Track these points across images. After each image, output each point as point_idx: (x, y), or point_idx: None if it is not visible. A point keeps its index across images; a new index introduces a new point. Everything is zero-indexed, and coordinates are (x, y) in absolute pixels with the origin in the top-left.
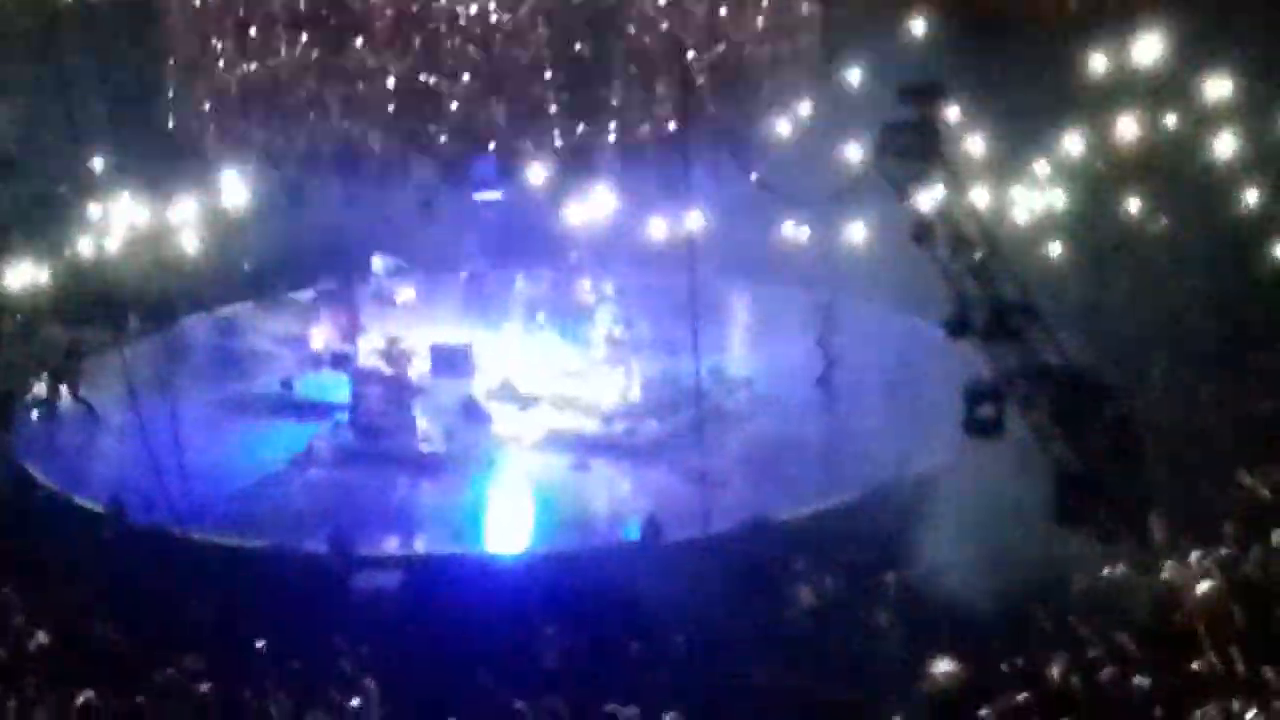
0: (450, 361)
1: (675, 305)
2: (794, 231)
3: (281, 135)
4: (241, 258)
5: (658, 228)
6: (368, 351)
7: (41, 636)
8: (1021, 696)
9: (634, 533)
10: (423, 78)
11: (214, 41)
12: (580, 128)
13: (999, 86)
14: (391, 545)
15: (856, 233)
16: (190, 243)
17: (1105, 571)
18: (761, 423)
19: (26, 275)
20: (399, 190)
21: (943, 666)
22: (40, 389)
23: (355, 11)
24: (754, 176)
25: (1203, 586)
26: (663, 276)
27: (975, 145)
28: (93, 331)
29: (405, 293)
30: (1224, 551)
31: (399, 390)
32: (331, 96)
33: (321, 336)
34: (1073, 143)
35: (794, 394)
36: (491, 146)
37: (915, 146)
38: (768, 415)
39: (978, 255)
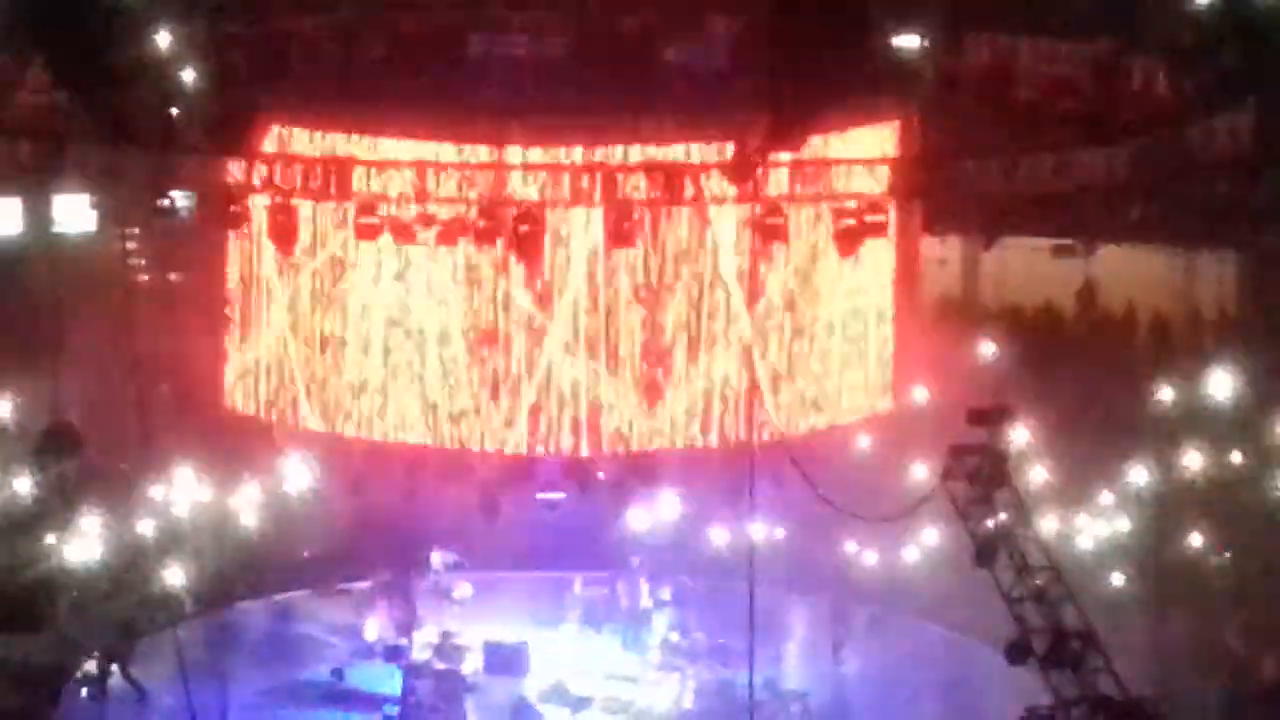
0: (505, 659)
1: (734, 615)
2: (856, 548)
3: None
4: (301, 544)
5: (719, 536)
6: (422, 645)
7: None
8: None
9: None
10: None
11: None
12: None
13: (1067, 413)
14: None
15: (920, 552)
16: (250, 524)
17: None
18: None
19: (84, 551)
20: (462, 486)
21: None
22: (91, 666)
23: None
24: (818, 490)
25: None
26: (723, 585)
27: (1040, 471)
28: (147, 611)
29: (462, 588)
30: None
31: (451, 685)
32: None
33: (376, 627)
34: (1139, 473)
35: (852, 711)
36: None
37: (982, 470)
38: None
39: (1040, 581)
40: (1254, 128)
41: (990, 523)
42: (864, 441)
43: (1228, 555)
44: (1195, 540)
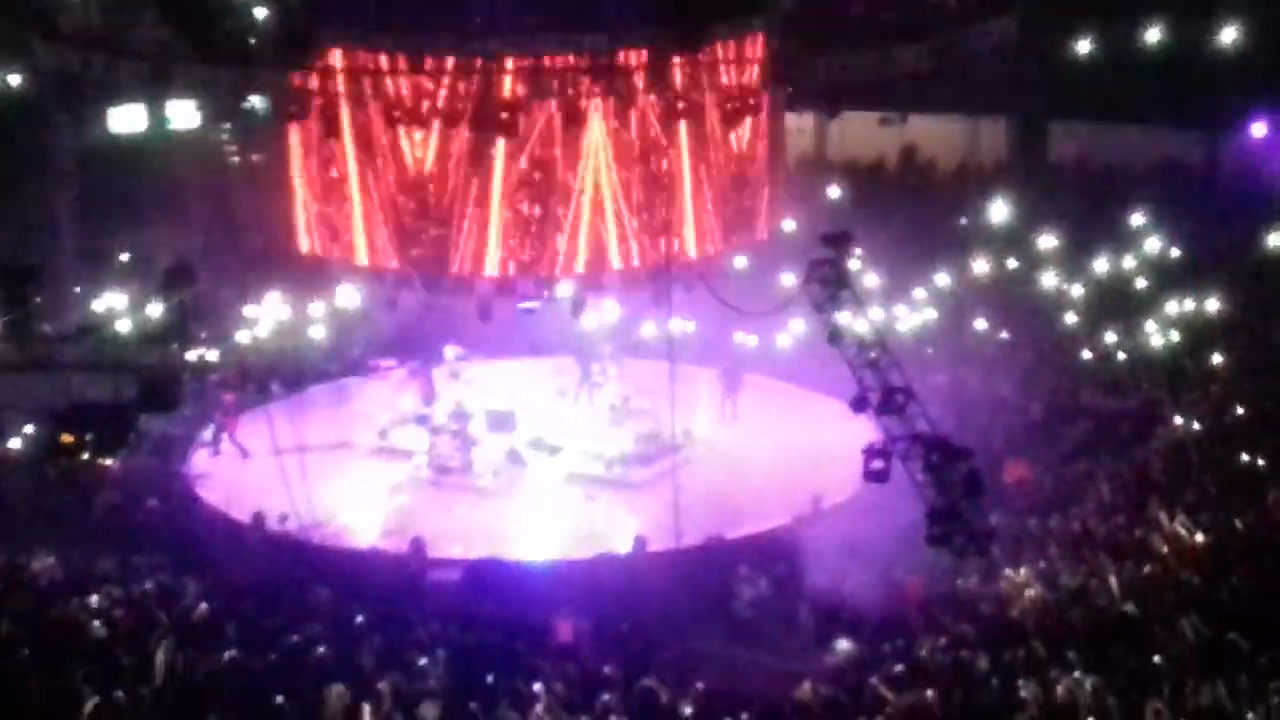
0: (499, 421)
1: (660, 385)
2: (745, 336)
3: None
4: (353, 344)
5: (648, 329)
6: (441, 413)
7: (203, 609)
8: (898, 668)
9: (626, 546)
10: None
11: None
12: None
13: (891, 236)
14: (454, 550)
15: (790, 337)
16: (317, 332)
17: (959, 581)
18: (718, 470)
19: (201, 353)
20: (466, 300)
21: (842, 645)
22: (208, 433)
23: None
24: (718, 295)
25: (1029, 593)
26: (651, 363)
27: (872, 277)
28: (246, 393)
29: (468, 371)
30: (1042, 567)
31: (463, 441)
32: None
33: (408, 401)
34: (942, 277)
35: (742, 450)
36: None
37: (831, 277)
38: (722, 465)
39: (873, 354)
40: (1015, 29)
41: (837, 314)
42: (749, 259)
43: (1004, 334)
44: (982, 324)
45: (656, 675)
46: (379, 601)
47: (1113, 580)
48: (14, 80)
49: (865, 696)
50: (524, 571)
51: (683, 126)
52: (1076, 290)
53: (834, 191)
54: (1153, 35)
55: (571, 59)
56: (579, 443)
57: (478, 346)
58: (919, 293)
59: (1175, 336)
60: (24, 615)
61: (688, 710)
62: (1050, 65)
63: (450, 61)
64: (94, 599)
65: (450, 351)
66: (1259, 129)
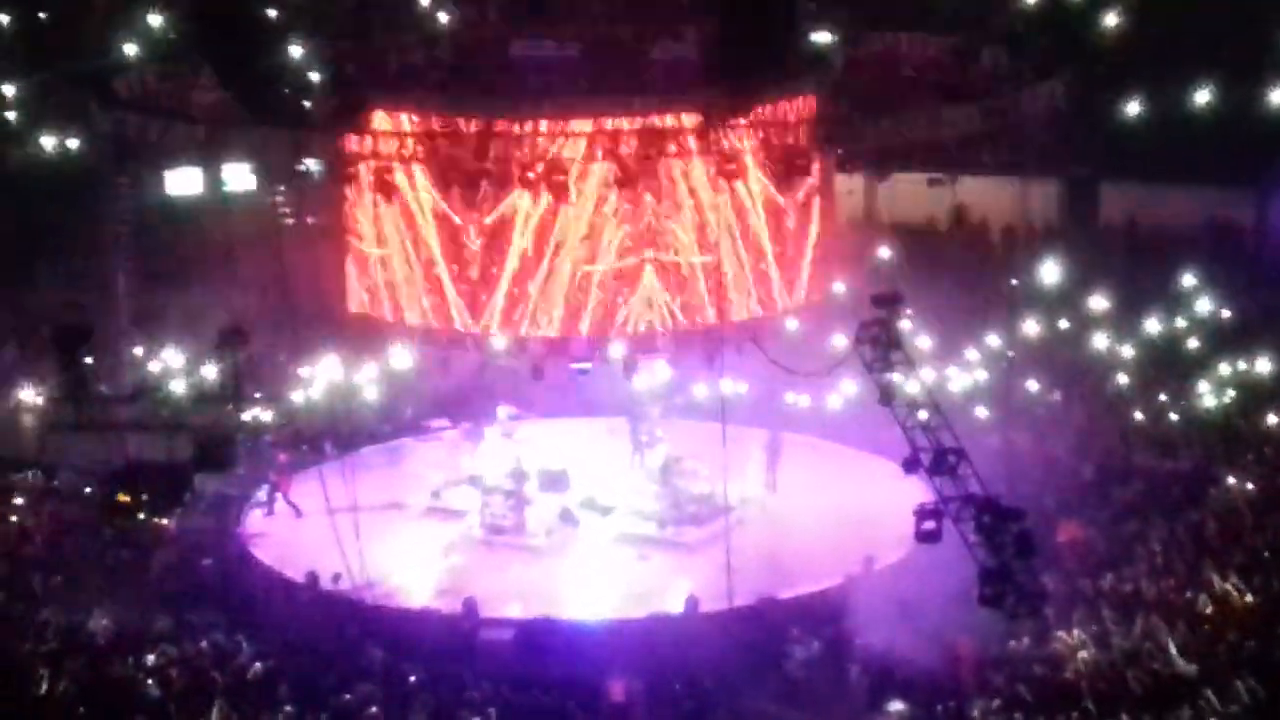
0: (552, 481)
1: (712, 445)
2: (796, 397)
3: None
4: (406, 405)
5: (700, 390)
6: (494, 473)
7: (257, 668)
8: None
9: (679, 606)
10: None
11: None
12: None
13: (941, 296)
14: (506, 610)
15: (840, 398)
16: (371, 393)
17: (1012, 642)
18: (770, 530)
19: (255, 413)
20: (518, 360)
21: (895, 706)
22: (262, 493)
23: None
24: (769, 356)
25: (1082, 654)
26: (703, 424)
27: (923, 338)
28: (300, 453)
29: (521, 431)
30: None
31: (516, 501)
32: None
33: (461, 461)
34: (993, 338)
35: (793, 510)
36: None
37: (882, 338)
38: (774, 525)
39: (925, 415)
40: (1065, 92)
41: (889, 374)
42: (800, 321)
43: (1057, 394)
44: (1033, 385)
45: None
46: (431, 661)
47: (1168, 641)
48: (72, 144)
49: None
50: (576, 631)
51: (733, 188)
52: (1128, 351)
53: (884, 252)
54: (1202, 96)
55: (622, 123)
56: (631, 503)
57: (530, 407)
58: (970, 353)
59: (1227, 397)
60: (81, 674)
61: None
62: (1100, 127)
63: (502, 124)
64: (150, 658)
65: (503, 412)
66: None
